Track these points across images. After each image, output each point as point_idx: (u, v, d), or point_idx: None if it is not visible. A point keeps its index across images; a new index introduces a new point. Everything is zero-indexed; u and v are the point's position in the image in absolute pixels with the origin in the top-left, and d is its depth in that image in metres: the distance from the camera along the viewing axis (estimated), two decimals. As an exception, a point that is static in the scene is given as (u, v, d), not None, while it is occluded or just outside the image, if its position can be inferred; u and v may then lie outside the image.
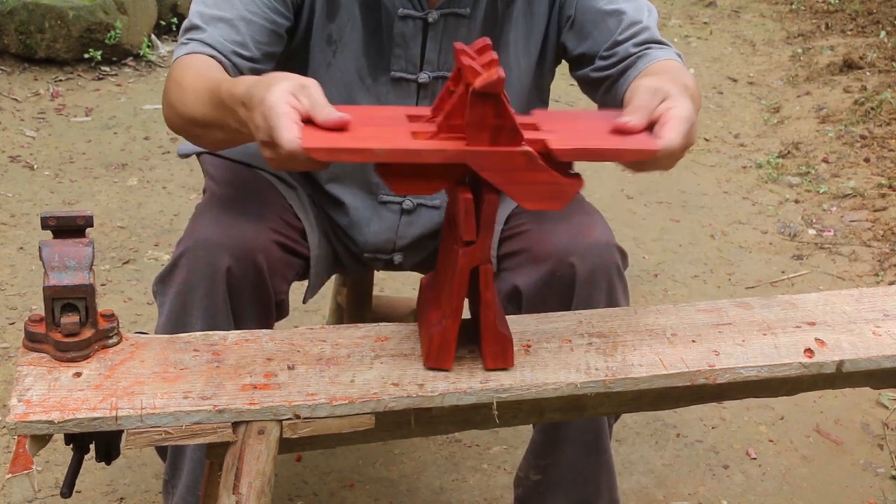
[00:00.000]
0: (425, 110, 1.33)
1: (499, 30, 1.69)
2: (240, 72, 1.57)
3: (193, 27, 1.59)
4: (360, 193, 1.76)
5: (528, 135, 1.26)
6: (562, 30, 1.70)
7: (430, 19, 1.66)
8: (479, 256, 1.30)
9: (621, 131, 1.28)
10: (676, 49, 1.67)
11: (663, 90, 1.32)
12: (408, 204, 1.76)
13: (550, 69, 1.79)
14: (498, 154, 1.23)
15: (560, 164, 1.26)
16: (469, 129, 1.22)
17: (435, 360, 1.34)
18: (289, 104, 1.23)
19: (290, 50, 1.69)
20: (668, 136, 1.27)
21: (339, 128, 1.24)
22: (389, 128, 1.28)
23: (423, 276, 1.55)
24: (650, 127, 1.31)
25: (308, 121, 1.24)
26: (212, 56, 1.55)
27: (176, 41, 4.77)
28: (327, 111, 1.23)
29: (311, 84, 1.27)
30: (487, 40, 1.25)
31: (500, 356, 1.35)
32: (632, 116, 1.30)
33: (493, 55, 1.22)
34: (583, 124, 1.35)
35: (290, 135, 1.20)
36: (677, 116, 1.28)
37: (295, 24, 1.67)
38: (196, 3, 1.62)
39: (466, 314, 1.42)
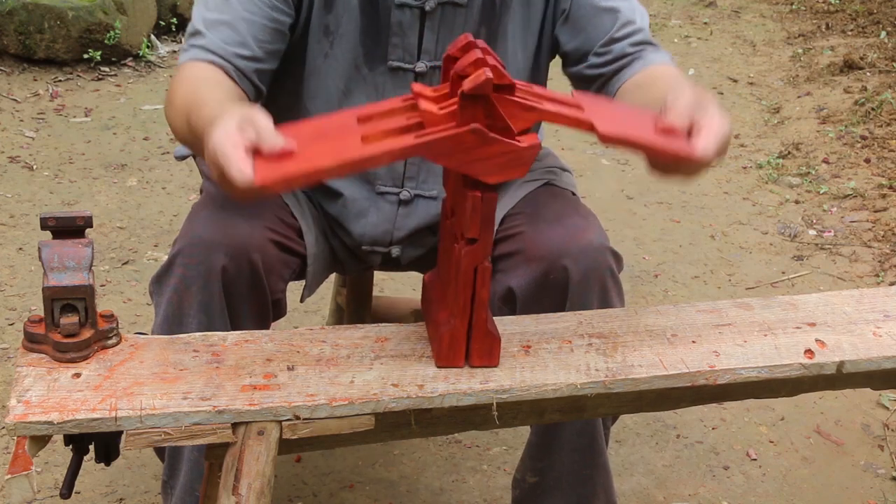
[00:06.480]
0: (379, 107, 1.30)
1: (496, 20, 1.69)
2: (243, 74, 1.61)
3: (196, 32, 1.63)
4: (358, 184, 1.75)
5: (572, 114, 1.26)
6: (556, 22, 1.71)
7: (428, 8, 1.66)
8: (481, 255, 1.31)
9: (665, 131, 1.30)
10: (669, 53, 1.70)
11: (704, 101, 1.34)
12: (405, 195, 1.76)
13: (546, 63, 1.79)
14: (446, 139, 1.20)
15: (510, 133, 1.23)
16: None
17: (446, 359, 1.34)
18: (234, 141, 1.21)
19: (288, 43, 1.69)
20: (704, 144, 1.30)
21: (286, 155, 1.21)
22: (339, 139, 1.25)
23: (423, 274, 1.54)
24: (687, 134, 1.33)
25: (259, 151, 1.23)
26: (212, 62, 1.59)
27: (175, 41, 4.83)
28: (271, 141, 1.22)
29: (258, 113, 1.26)
30: (470, 37, 1.26)
31: (487, 354, 1.36)
32: (676, 119, 1.31)
33: (478, 54, 1.21)
34: (624, 113, 1.36)
35: (241, 173, 1.19)
36: (715, 128, 1.31)
37: (295, 17, 1.67)
38: (198, 8, 1.65)
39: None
